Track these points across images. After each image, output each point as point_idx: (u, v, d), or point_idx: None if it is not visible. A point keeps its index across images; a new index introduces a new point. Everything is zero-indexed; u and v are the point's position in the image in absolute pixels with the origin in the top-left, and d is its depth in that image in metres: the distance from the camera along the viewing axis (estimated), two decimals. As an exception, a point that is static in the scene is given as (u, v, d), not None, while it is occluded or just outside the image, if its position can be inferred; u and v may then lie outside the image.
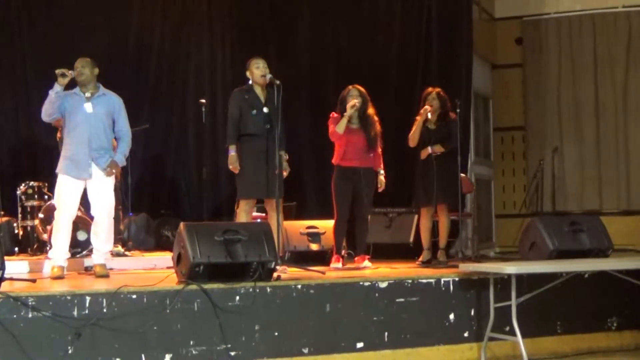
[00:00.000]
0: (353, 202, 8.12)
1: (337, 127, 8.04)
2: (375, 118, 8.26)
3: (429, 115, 8.36)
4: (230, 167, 7.65)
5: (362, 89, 8.22)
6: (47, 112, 7.16)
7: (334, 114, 8.21)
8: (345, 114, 8.03)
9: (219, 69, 11.54)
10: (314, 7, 11.37)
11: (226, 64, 11.53)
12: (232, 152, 7.61)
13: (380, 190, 8.27)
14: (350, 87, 8.26)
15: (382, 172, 8.28)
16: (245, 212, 7.62)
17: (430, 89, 8.57)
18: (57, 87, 7.02)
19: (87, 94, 7.23)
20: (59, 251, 7.18)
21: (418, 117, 8.46)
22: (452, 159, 8.38)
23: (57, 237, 7.19)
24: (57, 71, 7.00)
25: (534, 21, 12.22)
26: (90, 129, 7.17)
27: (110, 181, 7.30)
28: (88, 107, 7.19)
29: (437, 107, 8.44)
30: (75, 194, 7.18)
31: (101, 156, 7.21)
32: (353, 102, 8.04)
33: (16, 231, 9.17)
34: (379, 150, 8.29)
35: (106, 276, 7.18)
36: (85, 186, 7.22)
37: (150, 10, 11.32)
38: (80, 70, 7.19)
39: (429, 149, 8.34)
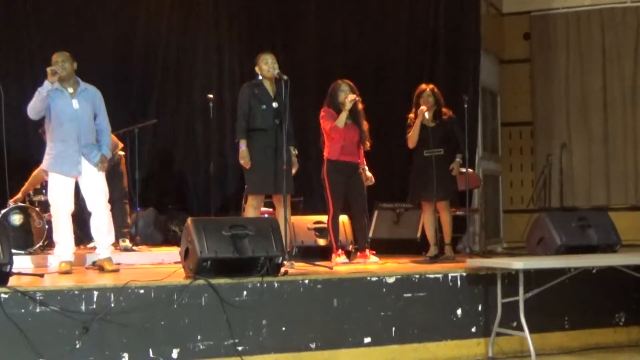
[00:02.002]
0: (349, 197, 8.13)
1: (338, 122, 8.02)
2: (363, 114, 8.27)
3: (427, 115, 8.33)
4: (242, 162, 7.60)
5: (352, 84, 8.20)
6: (37, 110, 7.11)
7: (326, 109, 8.18)
8: (345, 107, 8.01)
9: (226, 64, 11.53)
10: (321, 2, 11.35)
11: (233, 59, 11.52)
12: (243, 146, 7.58)
13: (369, 184, 8.24)
14: (339, 81, 8.23)
15: (365, 167, 8.27)
16: (253, 208, 7.62)
17: (423, 86, 8.50)
18: (49, 86, 6.98)
19: (70, 90, 7.19)
20: (64, 247, 7.20)
21: (411, 115, 8.44)
22: (452, 156, 8.38)
23: (60, 234, 7.21)
24: (50, 69, 6.97)
25: (542, 16, 12.18)
26: (78, 126, 7.15)
27: (102, 174, 7.31)
28: (75, 103, 7.17)
29: (432, 103, 8.40)
30: (69, 190, 7.19)
31: (90, 151, 7.21)
32: (353, 95, 8.02)
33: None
34: (368, 146, 8.27)
35: (116, 270, 7.20)
36: (75, 180, 7.23)
37: (157, 4, 11.32)
38: (62, 65, 7.11)
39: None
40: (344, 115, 8.01)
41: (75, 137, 7.14)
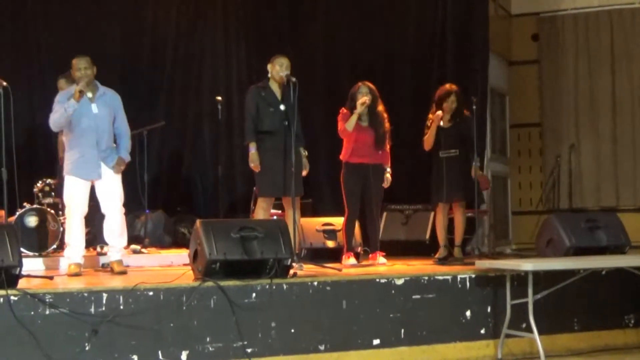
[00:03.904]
0: (363, 199, 8.12)
1: (347, 125, 8.03)
2: (385, 115, 8.24)
3: (442, 123, 8.31)
4: (252, 165, 7.62)
5: (372, 86, 8.19)
6: (60, 124, 7.15)
7: (343, 110, 8.20)
8: (355, 111, 8.01)
9: (234, 66, 11.54)
10: (328, 3, 11.36)
11: (241, 61, 11.53)
12: (253, 149, 7.60)
13: (385, 186, 8.23)
14: (359, 83, 8.23)
15: (388, 169, 8.25)
16: (263, 210, 7.63)
17: (447, 87, 8.47)
18: (76, 105, 7.01)
19: (89, 94, 7.21)
20: (75, 249, 7.23)
21: (431, 116, 8.43)
22: (467, 156, 8.37)
23: (71, 235, 7.23)
24: (78, 89, 6.98)
25: (550, 17, 12.16)
26: (97, 131, 7.19)
27: (119, 177, 7.34)
28: (94, 108, 7.20)
29: (455, 108, 8.39)
30: (84, 193, 7.22)
31: (108, 155, 7.25)
32: (364, 99, 8.02)
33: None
34: (388, 147, 8.27)
35: (124, 273, 7.21)
36: (92, 184, 7.26)
37: (165, 6, 11.33)
38: (84, 72, 7.13)
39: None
40: (353, 119, 8.01)
41: (94, 141, 7.18)
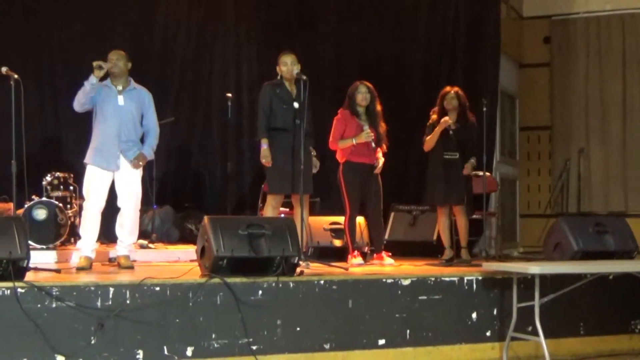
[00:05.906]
0: (365, 199, 8.11)
1: (340, 144, 8.05)
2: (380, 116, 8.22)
3: (450, 127, 8.29)
4: (263, 160, 7.62)
5: (370, 85, 8.16)
6: (80, 102, 7.22)
7: (341, 111, 8.16)
8: (355, 138, 7.96)
9: (244, 63, 11.54)
10: (339, 3, 11.35)
11: (252, 58, 11.53)
12: (265, 145, 7.60)
13: (376, 171, 8.13)
14: (358, 82, 8.19)
15: (380, 156, 8.16)
16: (272, 207, 7.64)
17: (448, 88, 8.43)
18: (93, 79, 7.09)
19: (119, 87, 7.30)
20: (86, 242, 7.23)
21: (434, 116, 8.40)
22: (467, 161, 8.37)
23: (85, 227, 7.24)
24: (95, 63, 7.07)
25: (562, 20, 12.15)
26: (120, 121, 7.23)
27: (138, 173, 7.34)
28: (120, 99, 7.26)
29: (456, 105, 8.35)
30: (103, 184, 7.22)
31: (129, 148, 7.27)
32: (371, 135, 7.95)
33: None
34: (384, 147, 8.23)
35: (130, 267, 7.23)
36: (113, 178, 7.27)
37: (176, 3, 11.34)
38: (115, 62, 7.26)
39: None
40: (347, 141, 8.00)
41: (115, 132, 7.22)
